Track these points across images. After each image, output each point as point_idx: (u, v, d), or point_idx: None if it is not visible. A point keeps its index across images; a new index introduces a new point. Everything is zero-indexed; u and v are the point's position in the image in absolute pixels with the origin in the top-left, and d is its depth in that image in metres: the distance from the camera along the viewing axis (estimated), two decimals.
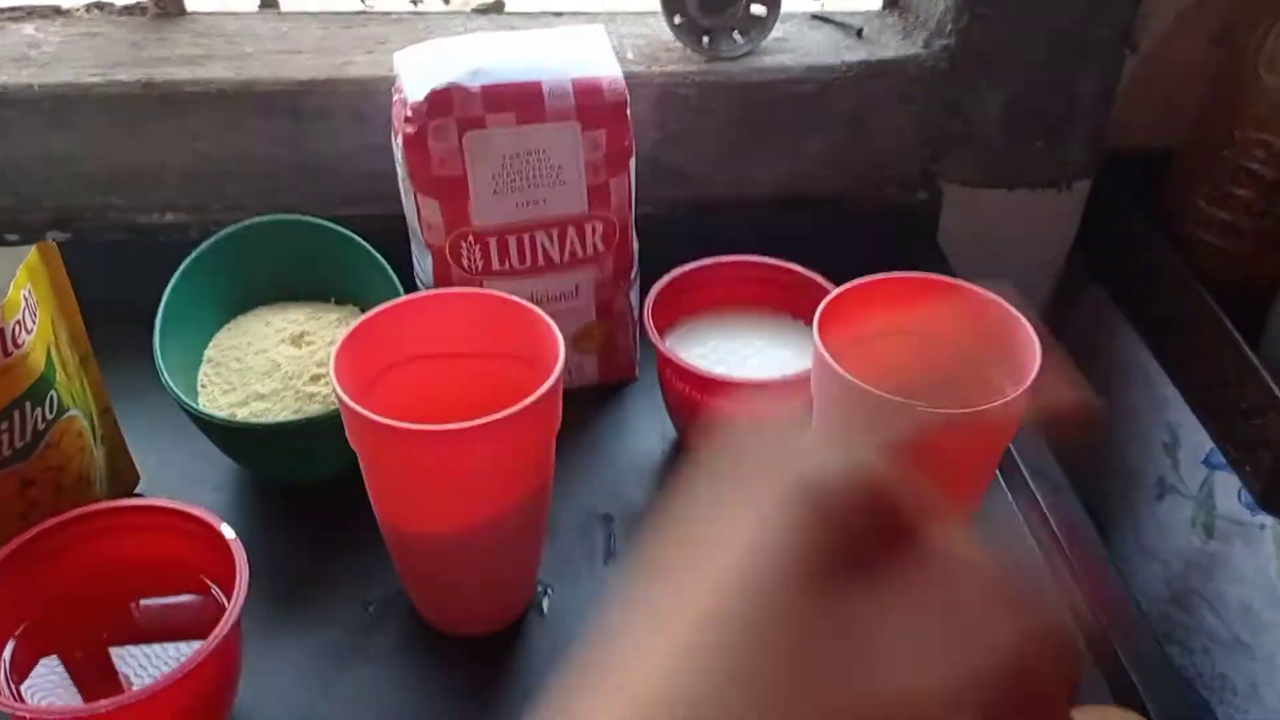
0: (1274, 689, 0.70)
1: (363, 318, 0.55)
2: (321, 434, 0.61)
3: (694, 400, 0.65)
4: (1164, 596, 0.78)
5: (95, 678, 0.52)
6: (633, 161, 0.67)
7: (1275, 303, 0.73)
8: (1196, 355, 0.76)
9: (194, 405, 0.61)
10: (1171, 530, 0.78)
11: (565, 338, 0.72)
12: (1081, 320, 0.91)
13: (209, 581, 0.54)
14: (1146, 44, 0.82)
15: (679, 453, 0.71)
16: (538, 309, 0.55)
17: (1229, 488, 0.73)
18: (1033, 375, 0.51)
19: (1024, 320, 0.53)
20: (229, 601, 0.52)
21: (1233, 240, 0.78)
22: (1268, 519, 0.70)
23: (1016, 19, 0.77)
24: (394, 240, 0.71)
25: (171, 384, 0.61)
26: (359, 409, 0.49)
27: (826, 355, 0.52)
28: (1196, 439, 0.76)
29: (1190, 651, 0.77)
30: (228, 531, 0.53)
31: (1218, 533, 0.73)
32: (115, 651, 0.53)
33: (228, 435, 0.62)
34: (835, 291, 0.57)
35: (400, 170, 0.66)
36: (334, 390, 0.51)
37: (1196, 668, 0.76)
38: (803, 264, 0.70)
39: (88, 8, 0.81)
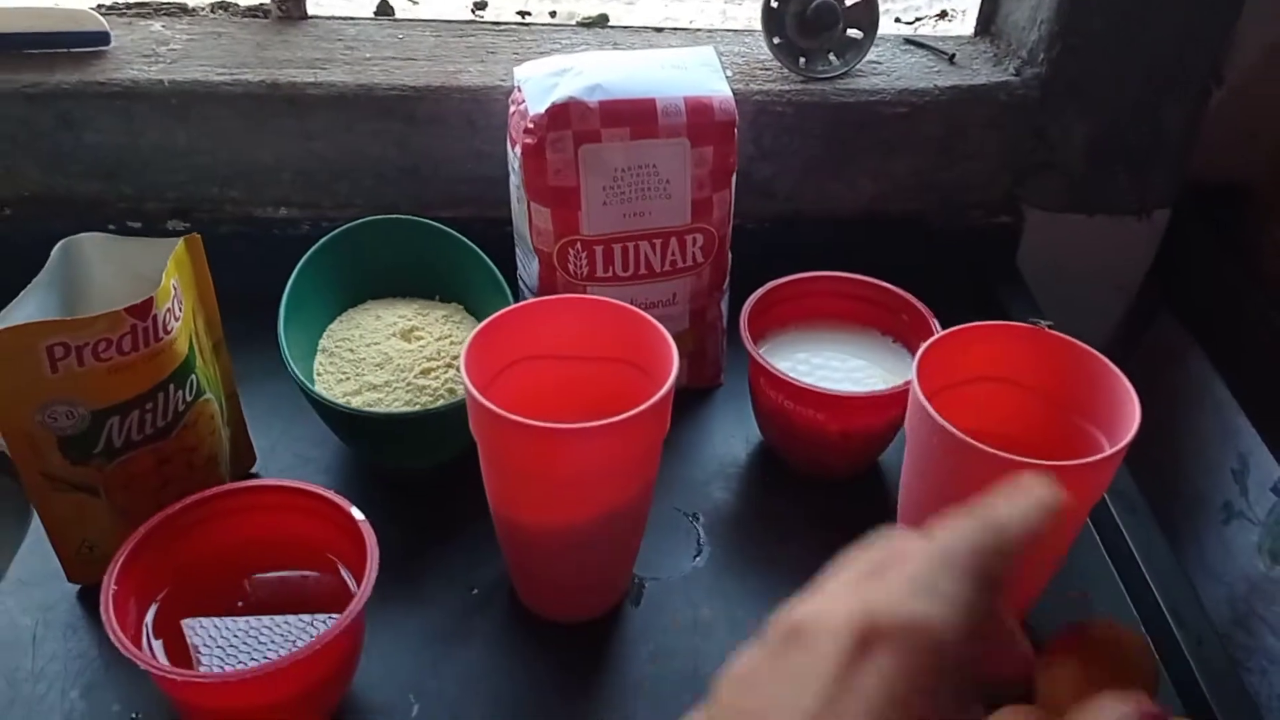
0: None
1: (491, 316, 0.58)
2: (434, 426, 0.64)
3: (785, 409, 0.67)
4: (1226, 618, 0.80)
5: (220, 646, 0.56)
6: (734, 178, 0.70)
7: None
8: (1271, 386, 0.78)
9: (321, 394, 0.65)
10: (1237, 554, 0.80)
11: None
12: (1152, 345, 0.93)
13: (335, 559, 0.58)
14: (1233, 77, 0.84)
15: (763, 457, 0.74)
16: (654, 320, 0.58)
17: None
18: (1131, 432, 0.53)
19: (1122, 376, 0.56)
20: (356, 580, 0.56)
21: None
22: None
23: (1108, 51, 0.79)
24: (491, 242, 0.74)
25: (297, 371, 0.65)
26: (487, 403, 0.53)
27: (930, 409, 0.54)
28: (1267, 467, 0.78)
29: (1249, 671, 0.79)
30: (357, 514, 0.56)
31: None
32: (238, 624, 0.57)
33: (348, 422, 0.65)
34: (934, 336, 0.60)
35: (515, 178, 0.69)
36: (464, 383, 0.54)
37: (1254, 688, 0.78)
38: (886, 282, 0.73)
39: (213, 7, 0.85)
